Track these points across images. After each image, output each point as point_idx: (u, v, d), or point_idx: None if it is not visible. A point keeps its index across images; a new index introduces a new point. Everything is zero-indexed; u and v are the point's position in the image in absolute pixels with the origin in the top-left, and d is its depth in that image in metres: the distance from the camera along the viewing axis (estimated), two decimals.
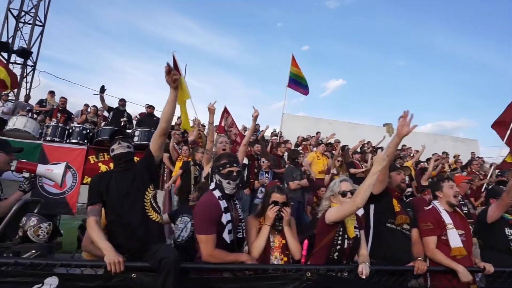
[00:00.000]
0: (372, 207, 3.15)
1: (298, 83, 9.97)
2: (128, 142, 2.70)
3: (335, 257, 2.56)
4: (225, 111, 8.02)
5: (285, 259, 2.73)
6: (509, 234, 3.28)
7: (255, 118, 4.09)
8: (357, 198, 2.47)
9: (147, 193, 2.55)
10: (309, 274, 2.37)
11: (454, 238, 3.04)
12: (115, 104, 9.37)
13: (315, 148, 9.87)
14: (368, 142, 12.80)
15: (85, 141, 7.85)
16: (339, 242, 2.56)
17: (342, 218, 2.56)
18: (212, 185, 2.63)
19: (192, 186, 5.16)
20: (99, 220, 2.45)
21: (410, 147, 12.47)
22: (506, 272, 2.96)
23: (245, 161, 6.80)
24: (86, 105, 9.71)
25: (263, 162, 6.32)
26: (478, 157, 12.68)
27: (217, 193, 2.55)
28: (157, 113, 9.93)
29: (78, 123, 8.51)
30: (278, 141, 9.63)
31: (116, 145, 2.63)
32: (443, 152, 11.66)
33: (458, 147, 14.32)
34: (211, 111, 4.05)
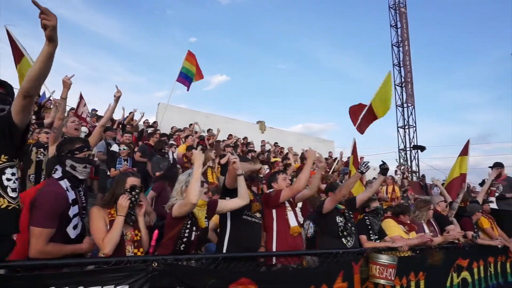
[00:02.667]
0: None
1: (187, 77, 9.91)
2: None
3: (182, 249, 2.60)
4: (81, 97, 7.33)
5: (139, 253, 2.61)
6: (339, 221, 3.87)
7: (117, 98, 3.82)
8: (189, 196, 2.52)
9: None
10: (156, 264, 2.35)
11: (292, 219, 3.51)
12: None
13: (187, 140, 9.90)
14: (245, 138, 13.46)
15: None
16: (186, 234, 2.61)
17: (183, 214, 2.61)
18: (58, 174, 2.35)
19: (38, 174, 4.46)
20: None
21: (279, 145, 13.59)
22: (333, 253, 3.51)
23: (115, 148, 6.37)
24: None
25: (123, 149, 6.00)
26: (331, 156, 14.65)
27: (64, 184, 2.32)
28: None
29: None
30: (156, 131, 9.32)
31: None
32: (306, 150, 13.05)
33: (318, 146, 16.21)
34: (66, 85, 3.52)
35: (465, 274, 4.99)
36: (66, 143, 2.50)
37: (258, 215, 3.38)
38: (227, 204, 3.08)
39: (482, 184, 6.82)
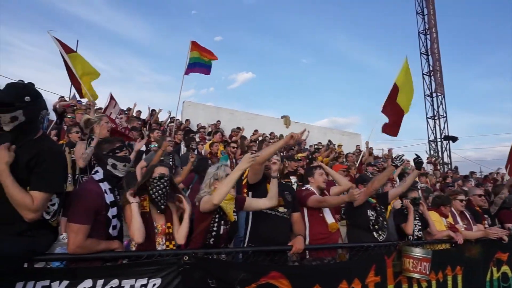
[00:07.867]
0: (250, 194, 3.29)
1: (199, 64, 9.59)
2: None
3: (211, 242, 2.60)
4: (112, 98, 7.50)
5: (171, 246, 2.65)
6: (370, 215, 3.77)
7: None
8: (215, 195, 2.54)
9: None
10: (187, 258, 2.37)
11: (329, 216, 3.46)
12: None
13: (210, 136, 9.97)
14: (272, 133, 13.42)
15: None
16: (215, 228, 2.61)
17: (207, 210, 2.62)
18: (99, 176, 2.44)
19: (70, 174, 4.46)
20: None
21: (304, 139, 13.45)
22: (364, 247, 3.42)
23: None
24: None
25: (154, 146, 6.07)
26: (360, 150, 14.35)
27: (104, 186, 2.41)
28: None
29: None
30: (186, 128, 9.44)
31: None
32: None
33: (344, 140, 15.94)
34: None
35: (505, 268, 4.75)
36: (105, 143, 2.58)
37: (280, 209, 3.31)
38: (254, 203, 3.05)
39: None
